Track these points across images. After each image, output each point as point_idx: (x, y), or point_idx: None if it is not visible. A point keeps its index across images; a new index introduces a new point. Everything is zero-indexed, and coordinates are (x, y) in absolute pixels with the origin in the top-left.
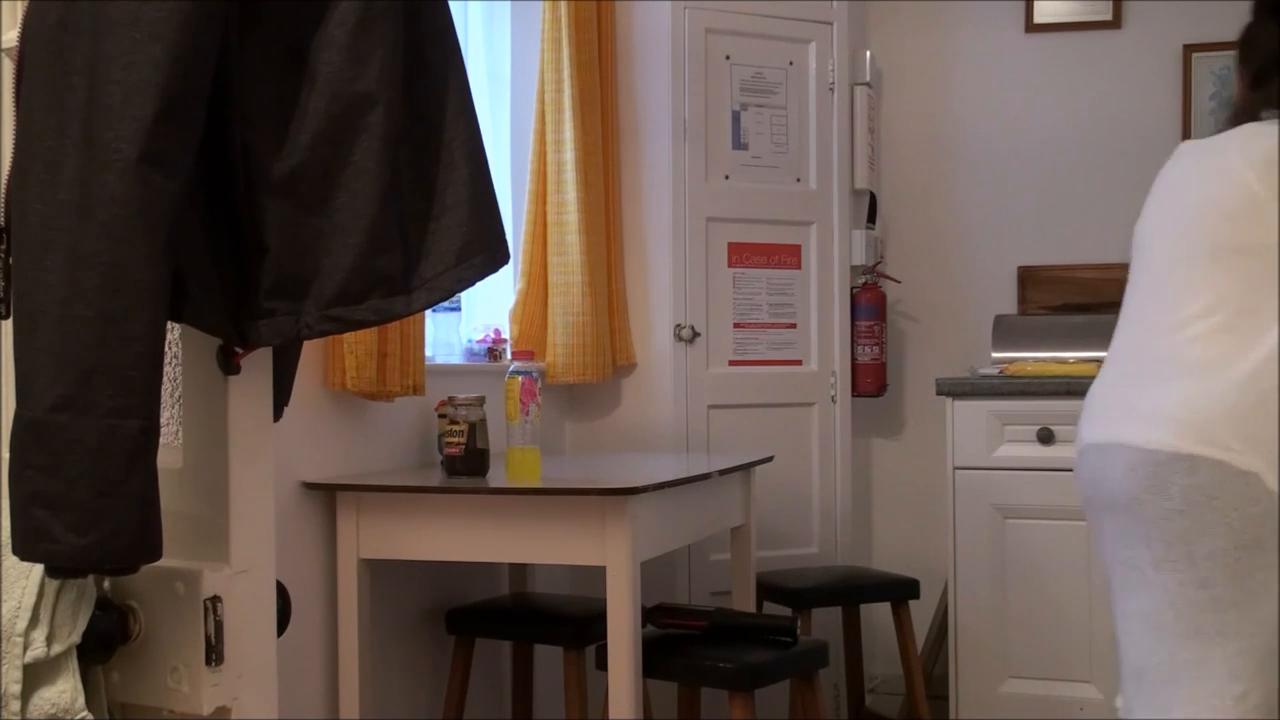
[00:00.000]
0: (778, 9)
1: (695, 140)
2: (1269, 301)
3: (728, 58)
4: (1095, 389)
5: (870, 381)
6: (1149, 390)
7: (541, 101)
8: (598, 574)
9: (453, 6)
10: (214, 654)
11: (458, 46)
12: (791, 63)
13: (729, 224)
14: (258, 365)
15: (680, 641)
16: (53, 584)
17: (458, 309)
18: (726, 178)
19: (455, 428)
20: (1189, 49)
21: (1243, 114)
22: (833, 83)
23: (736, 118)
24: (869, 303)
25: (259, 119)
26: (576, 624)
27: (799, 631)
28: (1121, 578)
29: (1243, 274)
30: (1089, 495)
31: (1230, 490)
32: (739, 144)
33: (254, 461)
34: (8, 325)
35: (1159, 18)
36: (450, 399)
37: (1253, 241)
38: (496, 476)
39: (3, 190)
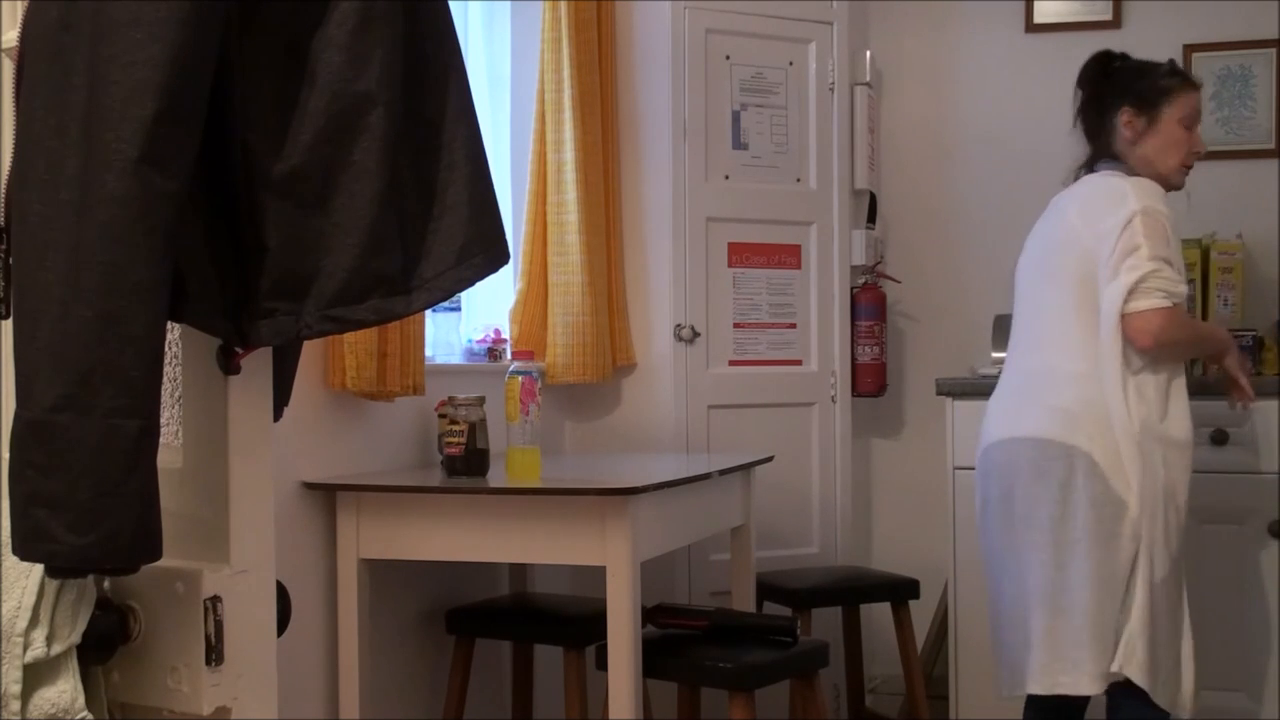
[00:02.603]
0: (778, 9)
1: (695, 140)
2: None
3: (728, 58)
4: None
5: (870, 381)
6: None
7: (541, 101)
8: (598, 574)
9: (453, 6)
10: (214, 654)
11: (458, 46)
12: (791, 63)
13: (729, 224)
14: (258, 365)
15: (680, 641)
16: (53, 584)
17: (458, 309)
18: (726, 178)
19: (455, 428)
20: (1189, 49)
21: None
22: (833, 83)
23: (736, 118)
24: (869, 303)
25: (259, 119)
26: (576, 624)
27: (799, 631)
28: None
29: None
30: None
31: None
32: (739, 144)
33: (254, 461)
34: (8, 325)
35: (1159, 18)
36: (450, 399)
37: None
38: (496, 476)
39: (3, 190)
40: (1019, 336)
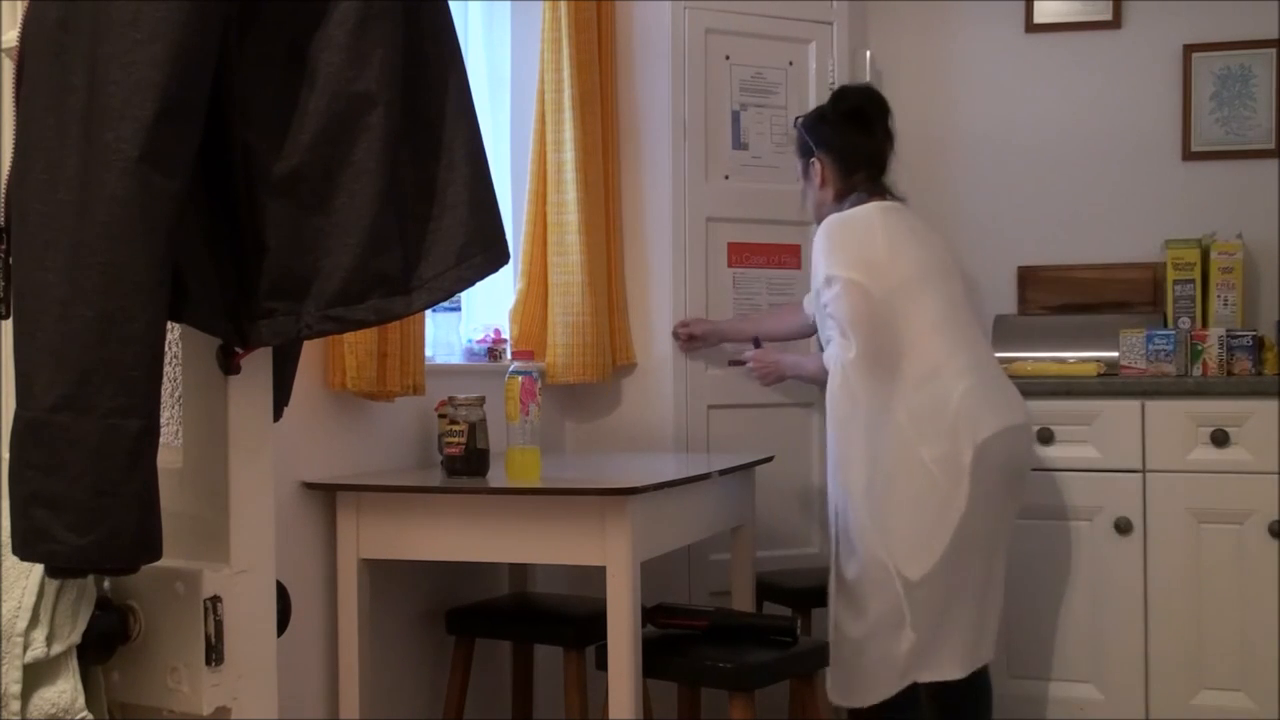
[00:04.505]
0: (778, 9)
1: (695, 140)
2: None
3: (727, 58)
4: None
5: None
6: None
7: (541, 101)
8: (598, 574)
9: (453, 6)
10: (214, 654)
11: (458, 46)
12: (791, 63)
13: (729, 224)
14: (258, 365)
15: (680, 641)
16: (53, 584)
17: (458, 309)
18: (726, 178)
19: (455, 428)
20: (1189, 49)
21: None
22: (833, 83)
23: (736, 118)
24: None
25: (259, 119)
26: (576, 624)
27: (799, 631)
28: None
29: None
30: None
31: None
32: (739, 144)
33: (254, 461)
34: (8, 325)
35: (1159, 18)
36: (450, 399)
37: None
38: (496, 476)
39: (3, 190)
40: (966, 330)
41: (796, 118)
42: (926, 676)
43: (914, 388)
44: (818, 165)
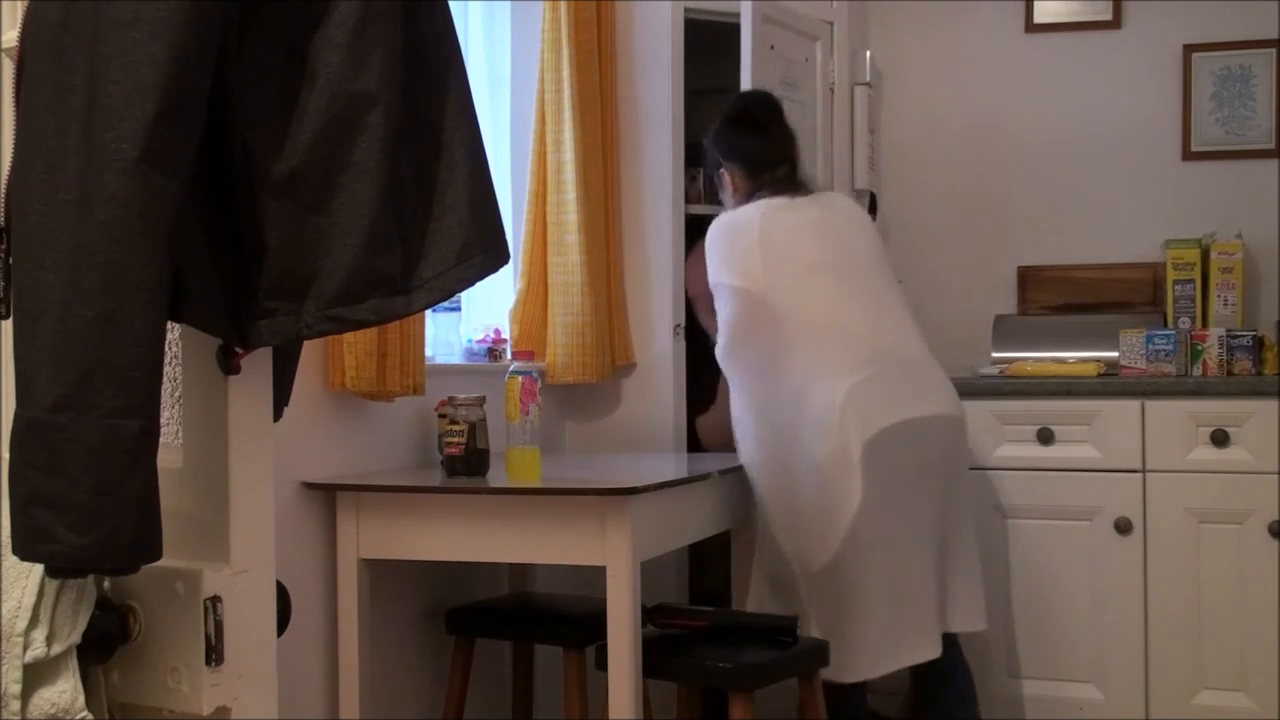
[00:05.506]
0: (796, 6)
1: None
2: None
3: (773, 48)
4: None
5: None
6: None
7: (541, 101)
8: (598, 574)
9: (453, 6)
10: (214, 654)
11: (458, 47)
12: (806, 59)
13: None
14: (258, 365)
15: (680, 641)
16: (53, 584)
17: (458, 309)
18: None
19: (455, 428)
20: (1189, 49)
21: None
22: (833, 83)
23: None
24: None
25: (259, 119)
26: (576, 624)
27: (799, 631)
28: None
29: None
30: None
31: None
32: None
33: (254, 461)
34: (8, 325)
35: (1159, 18)
36: (450, 399)
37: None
38: (496, 476)
39: (3, 190)
40: (872, 322)
41: (707, 133)
42: (833, 675)
43: (803, 387)
44: (725, 175)
